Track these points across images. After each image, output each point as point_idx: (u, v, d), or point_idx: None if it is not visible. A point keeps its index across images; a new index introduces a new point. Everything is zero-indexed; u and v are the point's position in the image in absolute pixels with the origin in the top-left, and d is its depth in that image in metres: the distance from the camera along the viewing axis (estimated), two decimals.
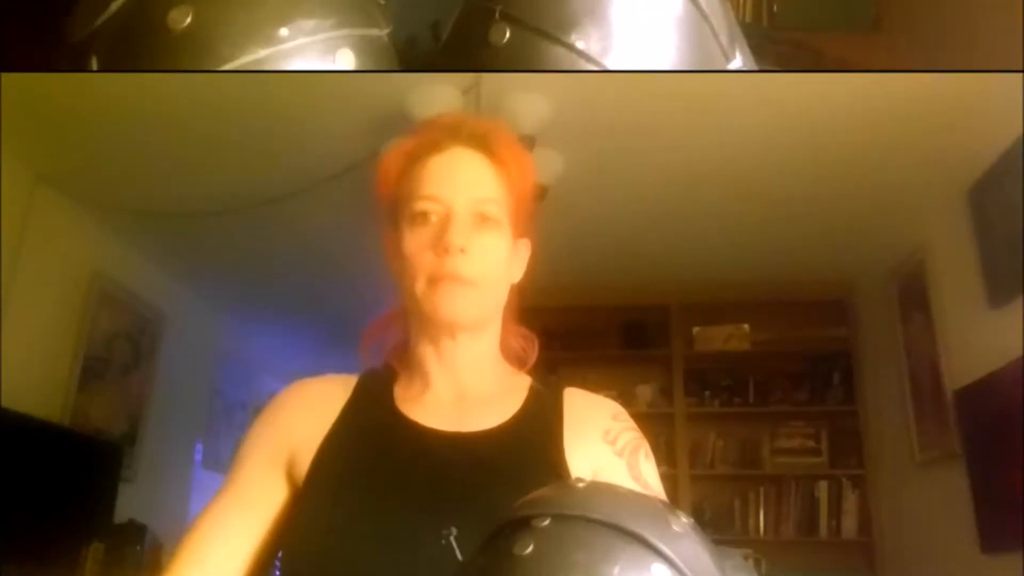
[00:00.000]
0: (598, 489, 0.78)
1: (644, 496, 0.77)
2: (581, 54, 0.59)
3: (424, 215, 1.32)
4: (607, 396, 1.50)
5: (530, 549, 0.68)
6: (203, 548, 1.25)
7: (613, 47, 0.60)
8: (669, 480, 1.50)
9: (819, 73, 3.69)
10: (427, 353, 1.39)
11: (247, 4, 1.36)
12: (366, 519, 1.21)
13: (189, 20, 1.30)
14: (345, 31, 1.40)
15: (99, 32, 1.36)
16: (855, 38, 5.22)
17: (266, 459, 1.33)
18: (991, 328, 4.23)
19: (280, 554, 1.28)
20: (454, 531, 0.81)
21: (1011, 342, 3.99)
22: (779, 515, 5.99)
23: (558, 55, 0.59)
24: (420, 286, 1.31)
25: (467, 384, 1.40)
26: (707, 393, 6.38)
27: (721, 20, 0.68)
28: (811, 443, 6.16)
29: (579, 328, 6.33)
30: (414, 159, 1.38)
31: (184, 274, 6.42)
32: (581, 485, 0.79)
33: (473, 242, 1.31)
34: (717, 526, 5.91)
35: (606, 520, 0.70)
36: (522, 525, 0.72)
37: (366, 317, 1.51)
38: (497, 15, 0.62)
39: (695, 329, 6.44)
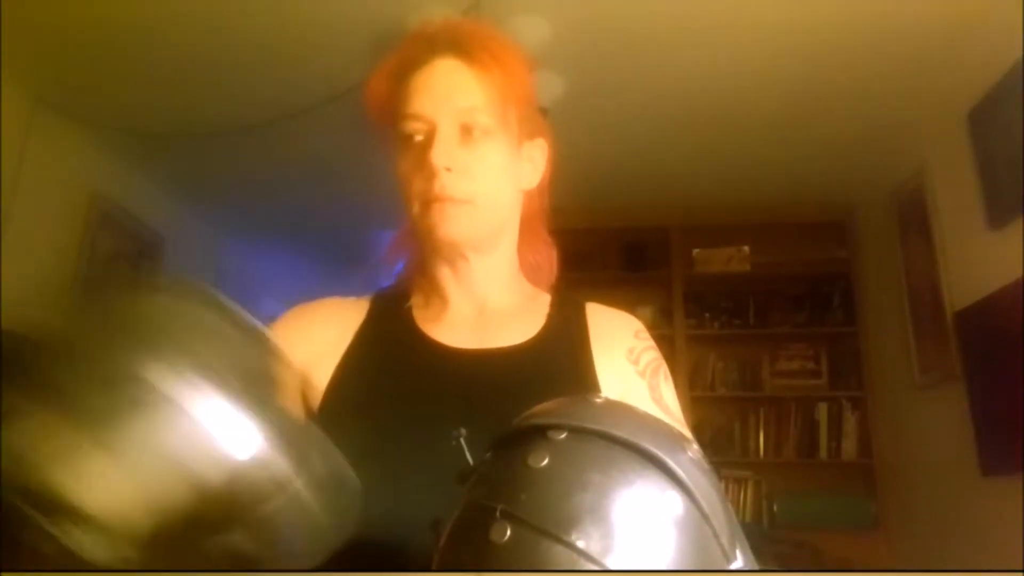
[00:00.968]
0: (616, 407, 0.76)
1: (660, 420, 0.76)
2: (582, 553, 0.58)
3: (410, 136, 1.30)
4: None
5: (545, 462, 0.67)
6: None
7: (614, 547, 0.60)
8: None
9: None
10: (443, 273, 1.37)
11: None
12: (394, 438, 1.19)
13: None
14: None
15: None
16: (855, 537, 5.25)
17: None
18: (991, 249, 4.22)
19: None
20: (463, 432, 0.80)
21: (1011, 263, 3.98)
22: (779, 437, 6.03)
23: (558, 554, 0.58)
24: (415, 209, 1.29)
25: (486, 301, 1.39)
26: (707, 315, 6.39)
27: (722, 521, 0.68)
28: (811, 365, 6.18)
29: (579, 250, 6.31)
30: (398, 78, 1.35)
31: (184, 195, 6.40)
32: (599, 400, 0.77)
33: (460, 158, 1.27)
34: (717, 448, 5.95)
35: (625, 440, 0.68)
36: (537, 435, 0.71)
37: (367, 239, 1.50)
38: (498, 514, 0.62)
39: (695, 251, 6.43)
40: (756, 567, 0.71)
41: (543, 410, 0.76)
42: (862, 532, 5.62)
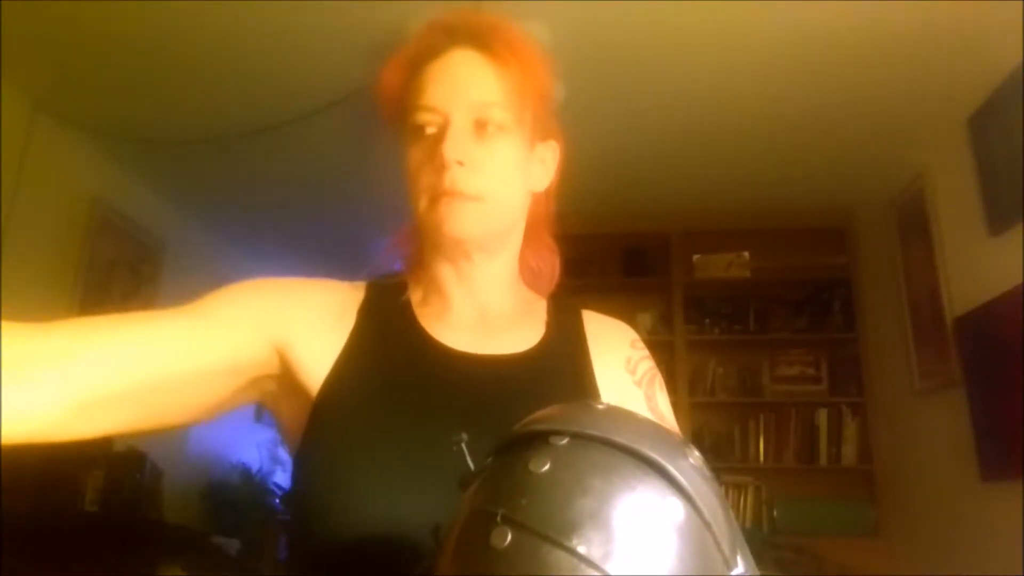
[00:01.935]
0: (618, 413, 0.76)
1: (661, 426, 0.76)
2: (583, 559, 0.58)
3: (422, 128, 1.25)
4: None
5: (547, 467, 0.66)
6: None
7: (615, 553, 0.60)
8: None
9: (820, 1, 3.68)
10: (445, 272, 1.34)
11: None
12: (396, 438, 1.16)
13: None
14: None
15: None
16: (855, 542, 5.26)
17: (253, 316, 1.23)
18: (991, 255, 4.23)
19: (296, 465, 1.20)
20: (464, 437, 0.79)
21: (1011, 269, 3.99)
22: (779, 443, 6.03)
23: (559, 559, 0.58)
24: (423, 204, 1.26)
25: (488, 304, 1.35)
26: (707, 321, 6.39)
27: (723, 528, 0.68)
28: (811, 371, 6.17)
29: (580, 256, 6.32)
30: (414, 68, 1.31)
31: (185, 201, 6.40)
32: (600, 407, 0.77)
33: (473, 153, 1.23)
34: (717, 454, 5.95)
35: (627, 446, 0.68)
36: (539, 441, 0.70)
37: (367, 243, 1.48)
38: (499, 519, 0.62)
39: (695, 257, 6.43)
40: (757, 574, 0.71)
41: (544, 416, 0.76)
42: (862, 538, 5.61)
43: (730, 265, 6.36)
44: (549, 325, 1.38)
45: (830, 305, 6.27)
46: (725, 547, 0.68)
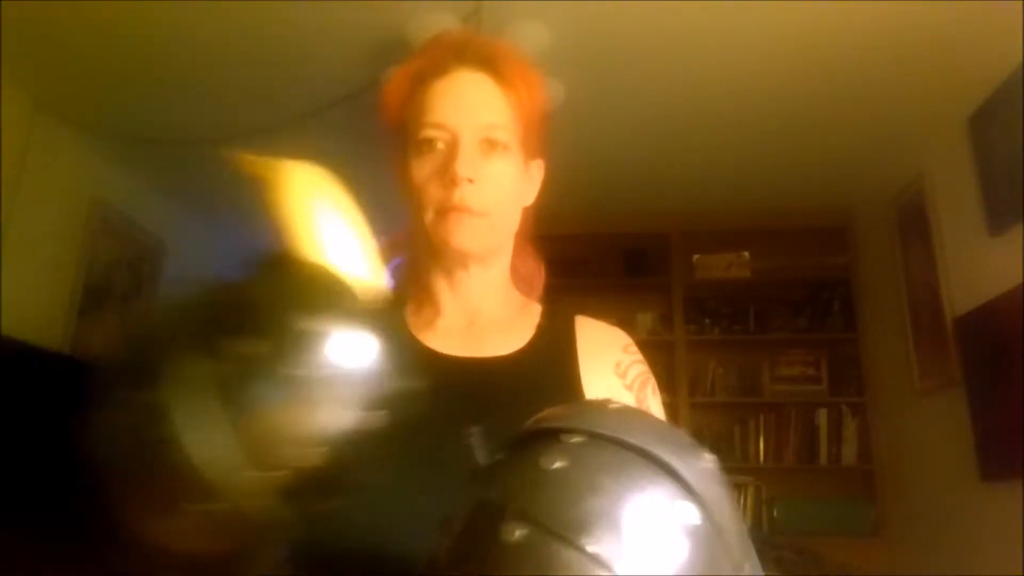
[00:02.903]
0: (631, 413, 0.76)
1: (675, 428, 0.76)
2: (592, 558, 0.58)
3: (430, 143, 1.30)
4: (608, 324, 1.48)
5: (558, 464, 0.66)
6: None
7: (624, 554, 0.60)
8: (669, 408, 1.51)
9: (821, 1, 3.68)
10: (439, 282, 1.38)
11: None
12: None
13: None
14: None
15: None
16: (855, 542, 5.26)
17: None
18: (991, 255, 4.23)
19: None
20: (475, 430, 0.80)
21: (1011, 269, 3.99)
22: (779, 442, 6.03)
23: (568, 556, 0.58)
24: (429, 217, 1.29)
25: (479, 311, 1.39)
26: (707, 321, 6.39)
27: (734, 534, 0.68)
28: (811, 371, 6.18)
29: (580, 256, 6.33)
30: (419, 82, 1.35)
31: (185, 202, 6.40)
32: (614, 406, 0.76)
33: (481, 171, 1.28)
34: (717, 453, 5.77)
35: (639, 447, 0.68)
36: (551, 438, 0.70)
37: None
38: (509, 513, 0.62)
39: (695, 257, 6.43)
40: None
41: (557, 414, 0.76)
42: (862, 537, 5.62)
43: (730, 265, 6.36)
44: (539, 329, 1.41)
45: (830, 305, 6.27)
46: (735, 552, 0.68)
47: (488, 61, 1.35)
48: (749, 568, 0.69)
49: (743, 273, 6.34)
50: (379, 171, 1.42)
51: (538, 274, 1.52)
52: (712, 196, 6.05)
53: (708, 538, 0.66)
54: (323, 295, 0.83)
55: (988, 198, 4.24)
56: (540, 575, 0.60)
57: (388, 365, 0.81)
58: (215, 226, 6.95)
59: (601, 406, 0.77)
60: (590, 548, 0.61)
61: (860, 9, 3.75)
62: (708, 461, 0.73)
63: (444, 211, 1.28)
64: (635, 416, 0.76)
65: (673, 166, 5.61)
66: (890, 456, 5.67)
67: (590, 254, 6.47)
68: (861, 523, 5.69)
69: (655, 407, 1.35)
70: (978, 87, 4.20)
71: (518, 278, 1.49)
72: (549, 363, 1.35)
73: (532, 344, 1.38)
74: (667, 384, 5.92)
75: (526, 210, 1.45)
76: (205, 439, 0.70)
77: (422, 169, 1.30)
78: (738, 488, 5.87)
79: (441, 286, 1.39)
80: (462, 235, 1.28)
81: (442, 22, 3.75)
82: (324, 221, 0.94)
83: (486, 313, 1.39)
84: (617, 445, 0.69)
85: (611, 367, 1.37)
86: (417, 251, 1.40)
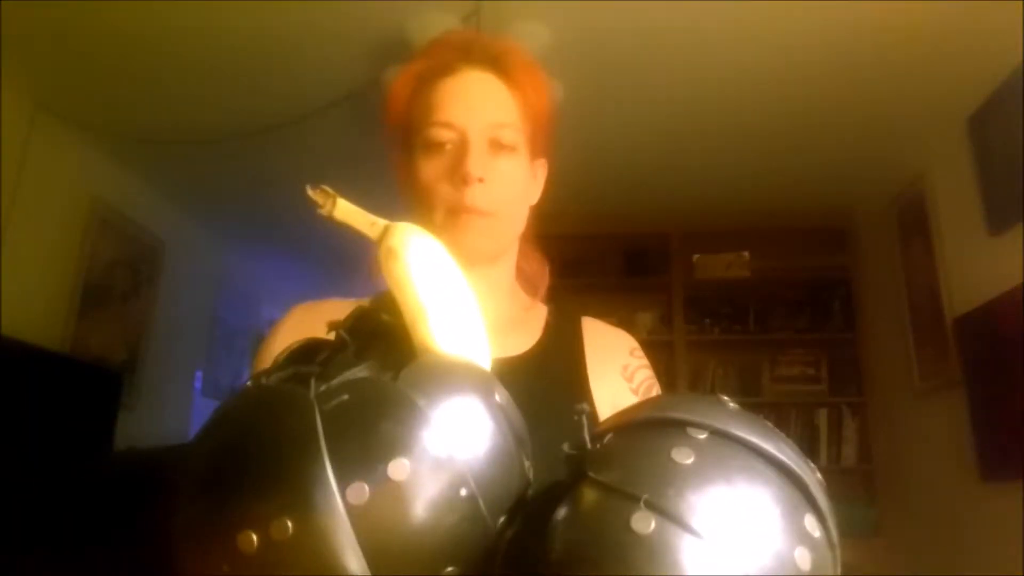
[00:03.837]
0: (751, 417, 0.75)
1: (786, 437, 0.76)
2: (724, 555, 0.59)
3: (439, 143, 1.29)
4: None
5: (692, 460, 0.66)
6: None
7: (754, 555, 0.60)
8: None
9: (820, 1, 3.68)
10: None
11: None
12: None
13: None
14: None
15: None
16: (855, 542, 5.27)
17: None
18: (991, 255, 4.23)
19: None
20: (586, 407, 0.78)
21: (1010, 269, 3.99)
22: None
23: (701, 551, 0.58)
24: (439, 217, 1.28)
25: (484, 311, 1.37)
26: (707, 320, 6.39)
27: (837, 547, 0.70)
28: (811, 371, 6.18)
29: (580, 255, 6.33)
30: (425, 81, 1.35)
31: (184, 201, 6.40)
32: (732, 406, 0.76)
33: (491, 171, 1.28)
34: None
35: (771, 453, 0.69)
36: (676, 430, 0.70)
37: (366, 245, 1.47)
38: (643, 503, 0.61)
39: (695, 257, 6.44)
40: None
41: (675, 404, 0.75)
42: (862, 538, 5.62)
43: (730, 265, 6.36)
44: (546, 330, 1.41)
45: (830, 305, 6.28)
46: (839, 565, 0.69)
47: (494, 60, 1.35)
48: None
49: (743, 273, 6.35)
50: (379, 171, 1.42)
51: (542, 274, 1.52)
52: (712, 196, 6.04)
53: (825, 551, 0.67)
54: (465, 391, 0.78)
55: (988, 198, 4.24)
56: (672, 573, 0.60)
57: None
58: (215, 226, 6.95)
59: (721, 403, 0.77)
60: (723, 546, 0.61)
61: (860, 9, 3.75)
62: (818, 473, 0.73)
63: (455, 211, 1.27)
64: (756, 420, 0.75)
65: (673, 166, 5.61)
66: (890, 456, 5.67)
67: (590, 254, 6.47)
68: (861, 523, 5.70)
69: None
70: (978, 87, 4.20)
71: (523, 278, 1.49)
72: (558, 363, 1.36)
73: (540, 344, 1.38)
74: (667, 384, 5.86)
75: (531, 210, 1.45)
76: None
77: (431, 169, 1.29)
78: None
79: None
80: (473, 236, 1.28)
81: (442, 22, 3.75)
82: (451, 306, 0.90)
83: (493, 313, 1.36)
84: (742, 446, 0.69)
85: (618, 370, 1.38)
86: None
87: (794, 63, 4.25)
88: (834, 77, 4.35)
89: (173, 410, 6.56)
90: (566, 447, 0.76)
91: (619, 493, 0.65)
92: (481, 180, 1.26)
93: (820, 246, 6.33)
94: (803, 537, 0.64)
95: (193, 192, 6.25)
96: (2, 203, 4.38)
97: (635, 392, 1.35)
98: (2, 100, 4.32)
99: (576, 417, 0.78)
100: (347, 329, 0.90)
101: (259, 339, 1.37)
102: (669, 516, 0.61)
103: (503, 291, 1.42)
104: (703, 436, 0.69)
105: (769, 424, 0.76)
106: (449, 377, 0.80)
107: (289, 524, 0.63)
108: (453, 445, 0.70)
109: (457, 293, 0.92)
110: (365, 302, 1.45)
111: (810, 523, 0.66)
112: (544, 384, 1.30)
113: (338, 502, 0.64)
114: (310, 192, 0.95)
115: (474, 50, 1.36)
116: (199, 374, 7.24)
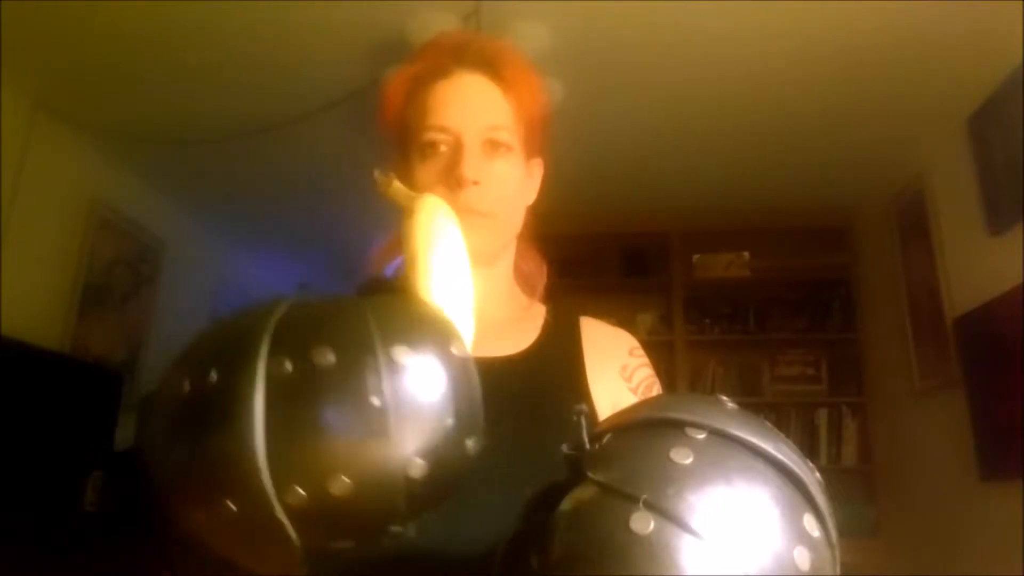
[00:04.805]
0: (749, 417, 0.75)
1: (785, 437, 0.76)
2: (723, 556, 0.59)
3: (433, 146, 1.30)
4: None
5: (690, 460, 0.66)
6: None
7: (754, 555, 0.61)
8: None
9: (820, 1, 3.68)
10: None
11: None
12: None
13: None
14: None
15: None
16: (855, 542, 5.27)
17: None
18: (991, 255, 4.23)
19: None
20: (584, 408, 0.79)
21: (1011, 269, 3.99)
22: None
23: (700, 552, 0.59)
24: None
25: (484, 312, 1.36)
26: (707, 320, 6.39)
27: (836, 546, 0.70)
28: (811, 370, 6.19)
29: (579, 256, 6.32)
30: (419, 84, 1.36)
31: (184, 201, 6.39)
32: (731, 406, 0.77)
33: (486, 173, 1.29)
34: None
35: (771, 454, 0.69)
36: (674, 430, 0.70)
37: (366, 245, 1.48)
38: (642, 504, 0.62)
39: (695, 256, 6.44)
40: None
41: (674, 404, 0.76)
42: (862, 537, 5.62)
43: (730, 265, 6.36)
44: (544, 330, 1.41)
45: (830, 305, 6.28)
46: (838, 565, 0.69)
47: (488, 62, 1.35)
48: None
49: (743, 273, 6.35)
50: (382, 169, 1.42)
51: (540, 273, 1.52)
52: (712, 196, 6.04)
53: (825, 550, 0.67)
54: (423, 329, 0.80)
55: (988, 198, 4.24)
56: (671, 574, 0.60)
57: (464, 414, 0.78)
58: (215, 226, 6.95)
59: (719, 403, 0.77)
60: (722, 547, 0.61)
61: (860, 9, 3.75)
62: (817, 472, 0.74)
63: None
64: (755, 420, 0.75)
65: (673, 166, 5.60)
66: (890, 456, 5.67)
67: (590, 254, 6.47)
68: (861, 523, 5.70)
69: None
70: (978, 87, 4.20)
71: (521, 278, 1.50)
72: (556, 363, 1.36)
73: (538, 344, 1.38)
74: (667, 384, 5.86)
75: (527, 209, 1.45)
76: (250, 437, 0.67)
77: (426, 172, 1.30)
78: None
79: None
80: (471, 237, 1.25)
81: (442, 22, 3.75)
82: (442, 260, 0.93)
83: (491, 313, 1.35)
84: (741, 445, 0.70)
85: (617, 370, 1.38)
86: None
87: (794, 63, 4.25)
88: (834, 77, 4.35)
89: None
90: (565, 448, 0.76)
91: (618, 493, 0.65)
92: (476, 183, 1.27)
93: (820, 246, 6.33)
94: (802, 537, 0.65)
95: (193, 192, 6.25)
96: (2, 203, 4.38)
97: (634, 391, 1.35)
98: (2, 100, 4.33)
99: (575, 418, 0.78)
100: (357, 289, 0.95)
101: None
102: (668, 516, 0.62)
103: (501, 291, 1.43)
104: (702, 436, 0.69)
105: (768, 424, 0.76)
106: (412, 312, 0.83)
107: (214, 375, 0.70)
108: (384, 360, 0.71)
109: (452, 255, 0.95)
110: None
111: (809, 523, 0.67)
112: (542, 384, 1.31)
113: (260, 368, 0.69)
114: (376, 174, 1.02)
115: (467, 52, 1.36)
116: None
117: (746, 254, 6.36)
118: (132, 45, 4.20)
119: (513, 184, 1.35)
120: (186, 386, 0.71)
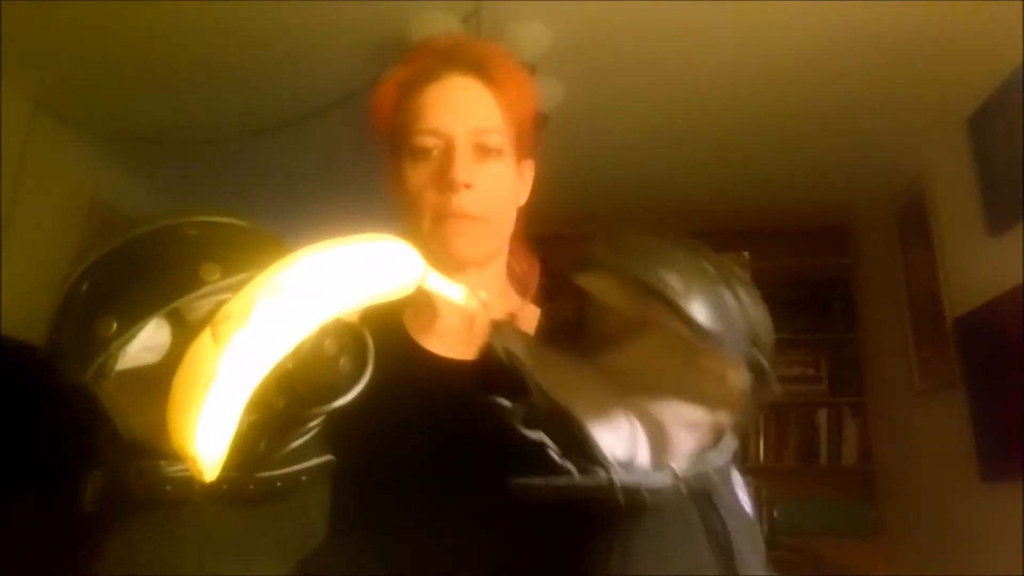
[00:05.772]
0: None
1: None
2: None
3: (424, 150, 1.30)
4: None
5: None
6: None
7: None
8: None
9: (820, 1, 3.68)
10: None
11: None
12: (391, 446, 1.19)
13: None
14: None
15: None
16: (855, 542, 5.26)
17: None
18: (991, 256, 4.23)
19: None
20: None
21: (1010, 269, 4.00)
22: (779, 443, 6.03)
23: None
24: (426, 224, 1.29)
25: (476, 313, 1.38)
26: None
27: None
28: (811, 371, 6.18)
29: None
30: (410, 88, 1.36)
31: (184, 201, 6.36)
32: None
33: (477, 176, 1.28)
34: None
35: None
36: None
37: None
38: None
39: None
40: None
41: None
42: (862, 538, 5.62)
43: None
44: (537, 332, 1.38)
45: (830, 305, 6.29)
46: None
47: (477, 65, 1.35)
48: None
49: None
50: (378, 171, 1.42)
51: (532, 274, 1.51)
52: (712, 196, 6.05)
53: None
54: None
55: (988, 198, 4.24)
56: None
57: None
58: None
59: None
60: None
61: (860, 10, 3.75)
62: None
63: (442, 217, 1.28)
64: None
65: (672, 166, 5.61)
66: (890, 456, 5.67)
67: None
68: (861, 523, 5.70)
69: None
70: (978, 87, 4.20)
71: (513, 278, 1.49)
72: None
73: None
74: None
75: (519, 210, 1.45)
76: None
77: (418, 176, 1.30)
78: None
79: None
80: (461, 241, 1.28)
81: (442, 22, 3.76)
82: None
83: (484, 315, 1.37)
84: None
85: None
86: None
87: (794, 63, 4.25)
88: (834, 77, 4.35)
89: None
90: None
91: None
92: (468, 186, 1.27)
93: (820, 246, 6.33)
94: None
95: (193, 192, 6.24)
96: (2, 203, 4.38)
97: None
98: (2, 100, 4.33)
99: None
100: None
101: None
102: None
103: (494, 292, 1.41)
104: None
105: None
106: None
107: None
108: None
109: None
110: None
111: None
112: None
113: None
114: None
115: (457, 55, 1.36)
116: None
117: (746, 254, 6.34)
118: (132, 45, 4.20)
119: (505, 187, 1.35)
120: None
